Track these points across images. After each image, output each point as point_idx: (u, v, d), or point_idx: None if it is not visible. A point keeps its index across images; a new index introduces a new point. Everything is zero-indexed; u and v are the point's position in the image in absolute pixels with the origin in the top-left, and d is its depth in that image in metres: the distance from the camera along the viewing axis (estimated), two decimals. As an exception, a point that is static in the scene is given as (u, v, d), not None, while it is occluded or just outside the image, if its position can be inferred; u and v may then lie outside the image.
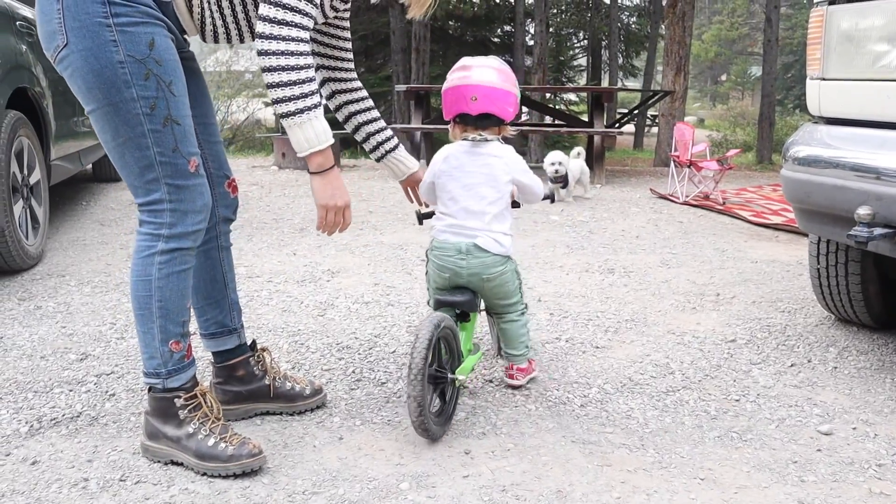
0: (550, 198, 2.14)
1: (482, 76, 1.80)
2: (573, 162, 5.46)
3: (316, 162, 1.61)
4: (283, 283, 3.24)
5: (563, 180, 5.31)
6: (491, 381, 2.19)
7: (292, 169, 7.18)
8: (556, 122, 7.50)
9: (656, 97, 8.21)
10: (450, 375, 1.81)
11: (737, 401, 2.11)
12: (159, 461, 1.69)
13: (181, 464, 1.67)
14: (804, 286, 3.33)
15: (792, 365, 2.38)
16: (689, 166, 5.48)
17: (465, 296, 1.89)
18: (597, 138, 6.52)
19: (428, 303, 2.09)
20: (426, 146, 6.81)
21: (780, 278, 3.51)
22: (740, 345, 2.57)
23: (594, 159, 6.54)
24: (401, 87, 6.89)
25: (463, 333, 1.94)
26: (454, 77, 1.85)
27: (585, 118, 7.71)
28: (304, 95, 1.54)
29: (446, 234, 1.87)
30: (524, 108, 8.16)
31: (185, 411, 1.64)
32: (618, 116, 7.89)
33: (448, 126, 1.98)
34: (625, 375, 2.27)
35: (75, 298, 2.95)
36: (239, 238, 4.09)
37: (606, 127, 6.96)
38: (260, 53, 1.52)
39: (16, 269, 3.24)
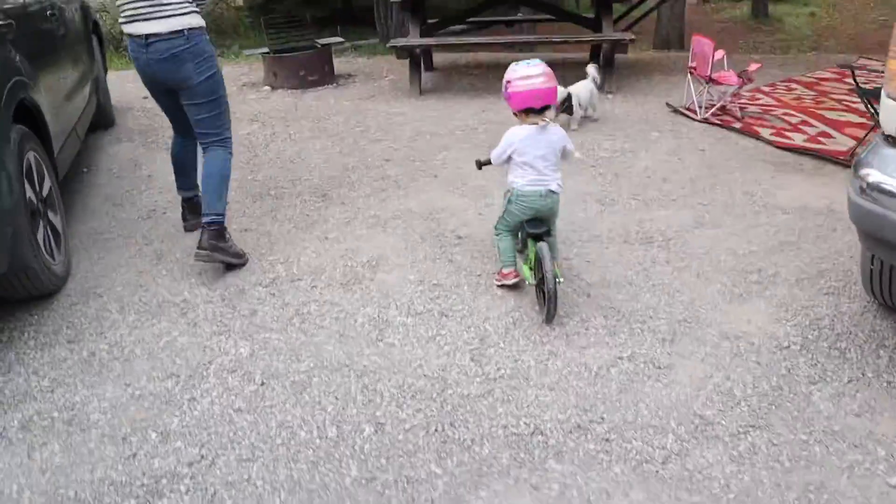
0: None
1: (542, 83, 2.74)
2: (581, 85, 5.21)
3: None
4: (327, 287, 3.21)
5: (567, 108, 5.14)
6: (572, 433, 2.27)
7: (286, 89, 6.82)
8: (554, 21, 7.00)
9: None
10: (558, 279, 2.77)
11: (805, 441, 2.21)
12: (213, 263, 3.30)
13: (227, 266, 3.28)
14: (839, 250, 3.36)
15: (849, 381, 2.47)
16: (708, 82, 5.28)
17: (545, 224, 2.88)
18: (605, 45, 6.19)
19: (495, 228, 3.10)
20: (425, 62, 6.45)
21: (815, 238, 3.52)
22: (794, 352, 2.64)
23: (604, 67, 6.25)
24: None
25: (550, 241, 2.90)
26: (522, 84, 2.74)
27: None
28: None
29: (529, 187, 2.82)
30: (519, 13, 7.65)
31: (227, 233, 3.39)
32: (625, 11, 7.38)
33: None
34: (694, 411, 2.35)
35: (124, 335, 2.92)
36: (263, 217, 3.98)
37: (620, 30, 6.57)
38: None
39: (46, 293, 3.17)
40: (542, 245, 2.79)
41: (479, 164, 3.13)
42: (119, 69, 8.46)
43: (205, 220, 3.27)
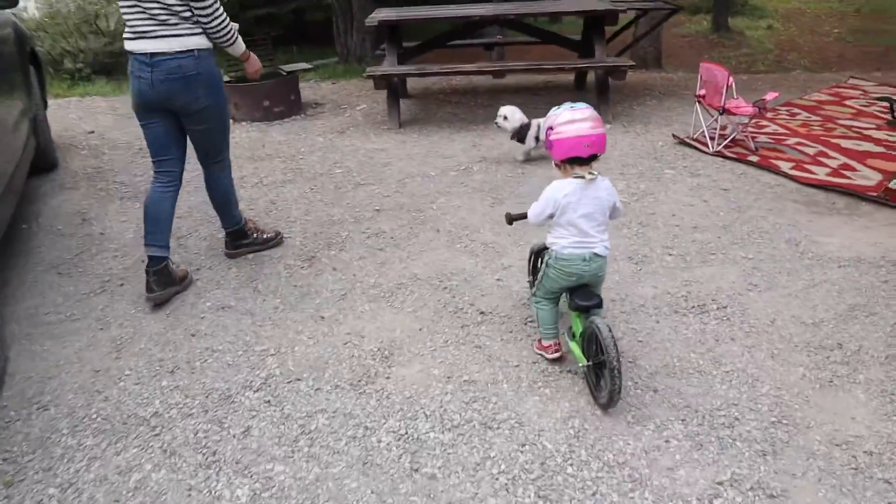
0: None
1: (592, 128, 2.38)
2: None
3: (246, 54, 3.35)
4: (335, 389, 2.61)
5: (517, 135, 4.86)
6: None
7: (249, 122, 6.16)
8: (545, 44, 6.54)
9: (667, 14, 7.18)
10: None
11: None
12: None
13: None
14: (923, 317, 2.94)
15: None
16: (721, 112, 4.87)
17: (595, 296, 2.52)
18: (599, 71, 5.75)
19: (533, 295, 2.75)
20: (401, 90, 5.90)
21: (886, 298, 3.10)
22: (925, 465, 2.17)
23: (598, 95, 5.82)
24: (375, 18, 5.76)
25: (599, 313, 2.52)
26: (568, 130, 2.39)
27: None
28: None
29: (570, 249, 2.47)
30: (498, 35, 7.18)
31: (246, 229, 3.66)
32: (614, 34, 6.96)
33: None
34: (837, 566, 1.85)
35: (80, 470, 2.27)
36: (242, 289, 3.35)
37: (614, 55, 6.14)
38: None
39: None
40: (599, 322, 2.40)
41: (511, 220, 2.77)
42: (60, 96, 7.63)
43: (228, 228, 3.63)
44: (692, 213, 4.04)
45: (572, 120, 2.39)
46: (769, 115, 5.84)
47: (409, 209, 4.23)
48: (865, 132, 5.42)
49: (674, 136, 5.34)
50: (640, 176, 4.64)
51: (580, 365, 2.56)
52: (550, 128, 2.43)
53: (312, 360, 2.79)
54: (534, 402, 2.50)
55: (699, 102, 5.15)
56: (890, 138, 5.27)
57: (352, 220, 4.10)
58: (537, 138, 4.78)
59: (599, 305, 2.49)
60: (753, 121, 5.20)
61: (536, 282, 2.71)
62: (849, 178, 4.51)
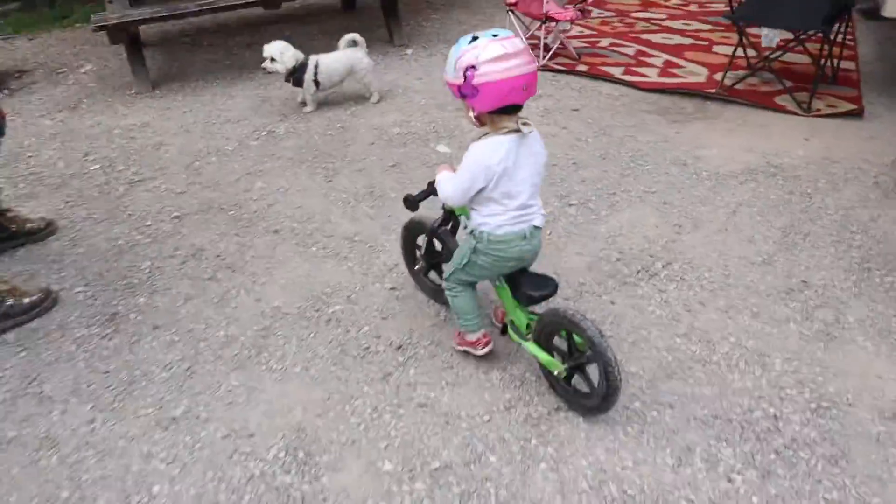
0: None
1: (529, 63, 1.74)
2: (335, 56, 3.93)
3: None
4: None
5: (293, 78, 3.90)
6: None
7: None
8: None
9: None
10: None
11: None
12: None
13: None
14: (858, 218, 2.74)
15: None
16: (545, 21, 4.32)
17: (551, 281, 1.93)
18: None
19: (446, 282, 2.09)
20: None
21: (800, 210, 2.86)
22: (984, 417, 1.90)
23: (385, 14, 4.93)
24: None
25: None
26: (499, 69, 1.69)
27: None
28: None
29: (507, 227, 1.88)
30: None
31: None
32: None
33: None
34: None
35: None
36: (20, 400, 2.11)
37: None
38: None
39: None
40: (566, 310, 1.88)
41: (414, 203, 2.08)
42: None
43: None
44: (562, 146, 3.50)
45: (505, 55, 1.70)
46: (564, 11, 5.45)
47: (222, 206, 3.12)
48: (664, 23, 5.29)
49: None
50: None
51: (554, 372, 1.94)
52: (472, 67, 1.70)
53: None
54: (544, 473, 1.81)
55: (512, 11, 4.54)
56: (688, 28, 5.18)
57: (146, 239, 2.91)
58: (317, 81, 3.85)
59: (555, 291, 1.91)
60: (571, 26, 4.76)
61: (451, 269, 2.05)
62: (679, 76, 4.29)
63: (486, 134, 1.81)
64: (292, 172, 3.37)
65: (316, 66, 3.86)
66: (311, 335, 2.32)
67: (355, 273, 2.63)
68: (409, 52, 4.85)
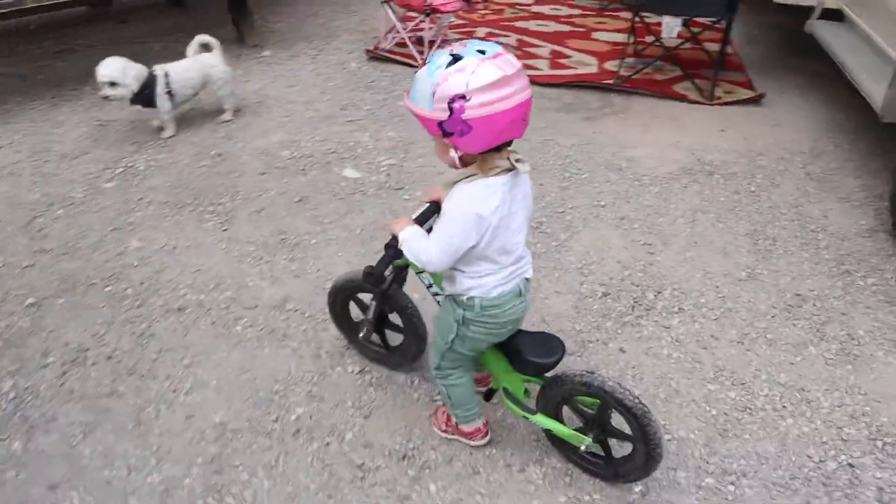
0: None
1: (527, 87, 1.31)
2: (184, 64, 3.24)
3: None
4: None
5: (142, 100, 3.13)
6: None
7: None
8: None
9: None
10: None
11: None
12: None
13: None
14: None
15: None
16: (428, 13, 3.89)
17: (557, 343, 1.60)
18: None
19: (437, 370, 1.69)
20: None
21: (755, 210, 2.77)
22: None
23: (234, 9, 4.21)
24: None
25: None
26: (501, 96, 1.26)
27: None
28: None
29: (500, 287, 1.52)
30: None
31: None
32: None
33: None
34: None
35: None
36: None
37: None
38: None
39: None
40: (602, 378, 1.56)
41: (380, 278, 1.59)
42: None
43: None
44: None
45: (503, 78, 1.27)
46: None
47: (93, 281, 2.38)
48: (532, 9, 5.08)
49: (368, 51, 4.17)
50: (375, 120, 3.46)
51: (581, 447, 1.64)
52: (460, 97, 1.26)
53: None
54: None
55: (387, 3, 4.06)
56: (560, 13, 5.02)
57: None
58: (171, 94, 3.15)
59: (564, 352, 1.59)
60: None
61: (438, 354, 1.66)
62: (571, 66, 4.10)
63: (472, 176, 1.38)
64: (173, 222, 2.68)
65: (166, 77, 3.13)
66: (280, 459, 1.77)
67: (304, 357, 2.08)
68: (266, 53, 4.19)
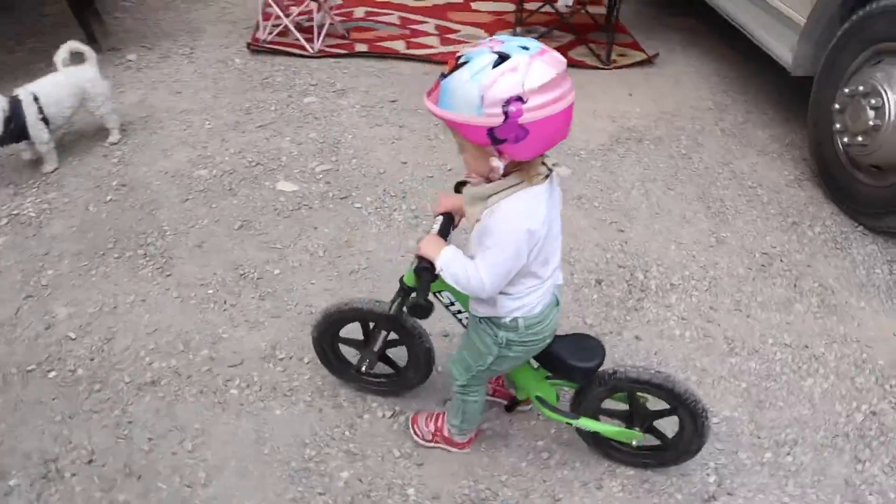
0: None
1: (573, 85, 1.23)
2: (50, 80, 2.72)
3: None
4: None
5: (10, 135, 2.60)
6: None
7: None
8: None
9: None
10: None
11: None
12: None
13: None
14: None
15: None
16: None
17: (596, 344, 1.59)
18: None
19: (461, 388, 1.63)
20: None
21: (610, 173, 2.89)
22: None
23: (79, 7, 3.60)
24: None
25: None
26: (554, 97, 1.19)
27: None
28: None
29: (542, 302, 1.45)
30: None
31: None
32: None
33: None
34: None
35: None
36: None
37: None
38: None
39: None
40: (634, 370, 1.59)
41: (425, 308, 1.40)
42: None
43: None
44: (420, 152, 2.97)
45: (558, 77, 1.19)
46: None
47: (27, 368, 1.95)
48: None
49: (249, 44, 3.77)
50: (288, 122, 3.15)
51: (633, 442, 1.67)
52: (516, 98, 1.16)
53: None
54: None
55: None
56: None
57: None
58: (45, 120, 2.65)
59: (604, 351, 1.58)
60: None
61: (469, 373, 1.58)
62: (463, 41, 4.00)
63: (513, 186, 1.29)
64: (100, 275, 2.28)
65: (36, 101, 2.63)
66: (349, 534, 1.59)
67: (324, 410, 1.88)
68: (131, 57, 3.65)
